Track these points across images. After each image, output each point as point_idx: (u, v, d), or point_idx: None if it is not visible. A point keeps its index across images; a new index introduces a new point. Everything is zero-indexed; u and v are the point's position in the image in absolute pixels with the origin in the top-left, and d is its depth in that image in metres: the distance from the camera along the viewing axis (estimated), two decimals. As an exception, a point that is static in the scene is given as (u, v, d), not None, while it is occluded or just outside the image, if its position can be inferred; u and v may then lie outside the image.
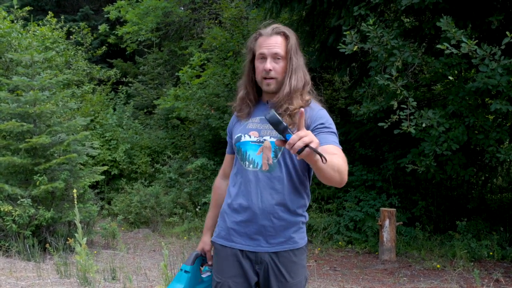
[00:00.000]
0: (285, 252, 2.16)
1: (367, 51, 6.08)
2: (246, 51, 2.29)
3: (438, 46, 5.14)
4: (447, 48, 5.02)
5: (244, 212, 2.16)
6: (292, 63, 2.18)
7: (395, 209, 6.83)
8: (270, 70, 2.15)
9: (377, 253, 6.93)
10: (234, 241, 2.19)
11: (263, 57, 2.17)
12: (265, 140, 2.15)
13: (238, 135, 2.23)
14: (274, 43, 2.17)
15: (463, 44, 4.97)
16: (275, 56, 2.16)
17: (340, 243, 7.45)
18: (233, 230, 2.19)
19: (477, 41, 5.07)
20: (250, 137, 2.19)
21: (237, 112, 2.31)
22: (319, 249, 7.24)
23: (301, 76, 2.19)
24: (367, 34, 5.73)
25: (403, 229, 7.40)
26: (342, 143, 2.26)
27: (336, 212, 8.02)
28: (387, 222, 6.65)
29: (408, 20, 7.70)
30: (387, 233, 6.67)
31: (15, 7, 11.82)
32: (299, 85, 2.17)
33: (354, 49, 5.80)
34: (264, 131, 2.17)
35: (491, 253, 6.59)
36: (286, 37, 2.20)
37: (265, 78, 2.17)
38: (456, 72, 6.07)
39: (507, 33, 4.83)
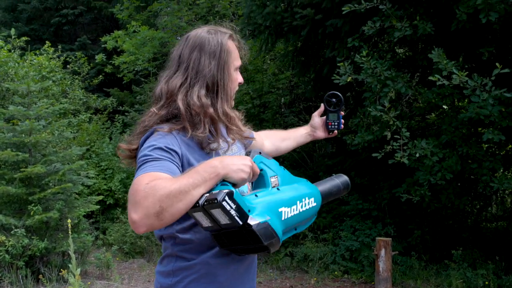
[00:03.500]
0: None
1: (362, 81, 6.16)
2: (218, 47, 1.82)
3: (430, 77, 5.22)
4: (439, 79, 5.09)
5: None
6: None
7: (390, 239, 6.81)
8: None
9: (373, 283, 6.88)
10: None
11: (239, 68, 1.87)
12: None
13: None
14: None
15: (454, 76, 5.04)
16: None
17: (336, 273, 7.40)
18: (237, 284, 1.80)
19: (467, 72, 5.15)
20: None
21: (209, 136, 1.75)
22: (315, 279, 7.18)
23: None
24: (361, 65, 5.82)
25: (399, 258, 7.37)
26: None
27: (332, 241, 7.98)
28: (382, 251, 6.62)
29: (401, 50, 7.81)
30: (383, 263, 6.63)
31: (13, 36, 11.93)
32: None
33: (348, 80, 5.87)
34: None
35: (486, 283, 6.55)
36: None
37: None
38: (449, 102, 6.14)
39: (497, 64, 4.92)
